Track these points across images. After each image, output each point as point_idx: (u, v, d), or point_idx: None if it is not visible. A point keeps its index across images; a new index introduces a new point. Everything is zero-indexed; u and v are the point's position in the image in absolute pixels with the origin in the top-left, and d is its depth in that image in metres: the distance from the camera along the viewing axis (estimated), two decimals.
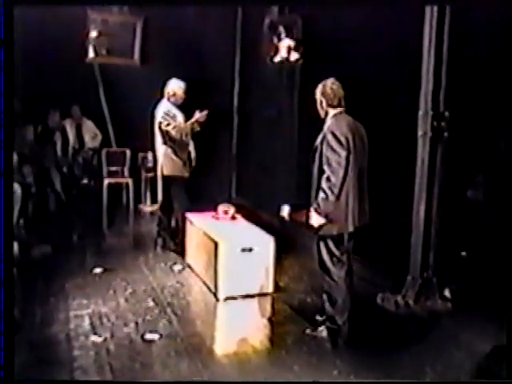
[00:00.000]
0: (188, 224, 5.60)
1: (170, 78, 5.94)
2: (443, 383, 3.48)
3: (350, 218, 3.77)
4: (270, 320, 4.44)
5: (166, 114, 5.75)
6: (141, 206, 8.26)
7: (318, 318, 4.07)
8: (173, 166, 5.79)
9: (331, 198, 3.66)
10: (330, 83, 3.87)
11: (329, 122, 3.85)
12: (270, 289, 4.82)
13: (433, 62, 4.40)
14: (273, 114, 7.16)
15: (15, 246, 5.16)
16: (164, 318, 4.27)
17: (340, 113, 3.87)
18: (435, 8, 4.30)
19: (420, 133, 4.49)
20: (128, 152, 8.45)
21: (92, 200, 8.03)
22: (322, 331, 3.94)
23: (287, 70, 6.87)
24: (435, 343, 3.86)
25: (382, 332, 4.09)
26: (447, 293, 4.55)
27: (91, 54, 7.95)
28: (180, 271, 5.42)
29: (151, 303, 4.56)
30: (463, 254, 4.99)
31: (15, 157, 5.63)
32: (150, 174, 8.07)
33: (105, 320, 4.19)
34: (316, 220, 3.76)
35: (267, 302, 4.72)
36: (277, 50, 6.80)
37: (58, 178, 7.71)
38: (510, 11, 3.61)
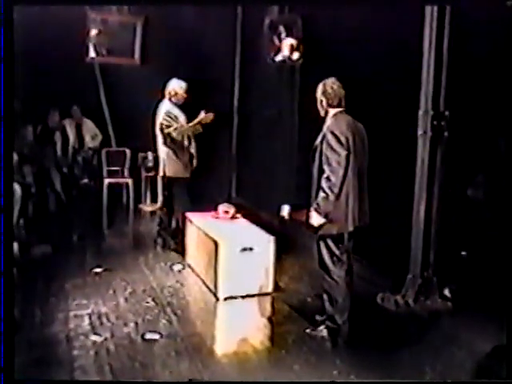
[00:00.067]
0: (188, 224, 5.60)
1: (171, 78, 5.93)
2: (443, 383, 3.48)
3: (349, 217, 3.77)
4: (270, 320, 4.44)
5: (167, 114, 5.74)
6: (141, 206, 8.26)
7: (318, 317, 4.07)
8: (174, 167, 5.79)
9: (331, 197, 3.67)
10: (331, 83, 3.87)
11: (329, 121, 3.86)
12: (269, 288, 4.82)
13: (433, 62, 4.40)
14: (273, 113, 7.16)
15: (15, 246, 5.16)
16: (164, 318, 4.27)
17: (340, 112, 3.87)
18: (435, 8, 4.30)
19: (420, 132, 4.49)
20: (128, 152, 8.46)
21: (92, 200, 8.03)
22: (322, 331, 3.94)
23: (287, 69, 6.87)
24: (435, 343, 3.86)
25: (381, 331, 4.09)
26: (447, 292, 4.55)
27: (91, 53, 7.94)
28: (180, 271, 5.43)
29: (151, 303, 4.56)
30: (463, 253, 4.99)
31: (15, 157, 5.63)
32: (150, 174, 8.10)
33: (105, 320, 4.19)
34: (316, 220, 3.76)
35: (267, 301, 4.72)
36: (278, 50, 6.80)
37: (58, 177, 7.71)
38: (510, 11, 3.61)
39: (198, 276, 5.23)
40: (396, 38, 4.78)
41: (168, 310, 4.45)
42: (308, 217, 3.81)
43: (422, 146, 4.49)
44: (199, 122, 5.83)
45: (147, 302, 4.57)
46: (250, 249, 4.75)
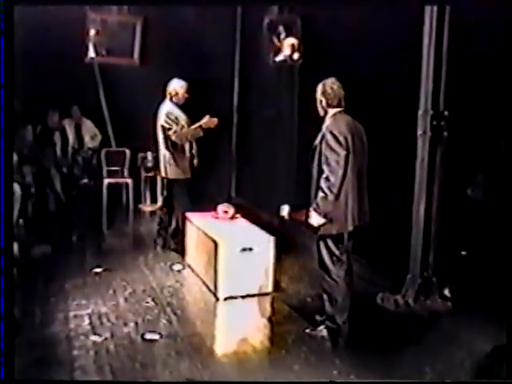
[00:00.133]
0: (188, 224, 5.60)
1: (171, 79, 5.92)
2: (443, 383, 3.48)
3: (349, 217, 3.77)
4: (269, 320, 4.44)
5: (168, 116, 5.71)
6: (141, 206, 8.26)
7: (318, 317, 4.07)
8: (175, 169, 5.77)
9: (330, 197, 3.67)
10: (331, 83, 3.87)
11: (328, 121, 3.86)
12: (269, 289, 4.82)
13: (432, 62, 4.39)
14: (272, 113, 7.16)
15: (15, 246, 5.16)
16: (164, 318, 4.27)
17: (339, 112, 3.87)
18: (435, 8, 4.30)
19: (420, 132, 4.49)
20: (128, 152, 8.46)
21: (92, 200, 8.02)
22: (322, 331, 3.94)
23: (287, 69, 6.87)
24: (435, 343, 3.86)
25: (381, 331, 4.09)
26: (447, 292, 4.55)
27: (91, 53, 7.95)
28: (180, 271, 5.42)
29: (151, 303, 4.56)
30: (463, 253, 5.00)
31: (15, 157, 5.62)
32: (150, 174, 8.10)
33: (104, 320, 4.19)
34: (315, 220, 3.76)
35: (267, 301, 4.72)
36: (278, 50, 6.80)
37: (58, 178, 7.70)
38: (510, 11, 3.62)
39: (197, 276, 5.23)
40: (396, 38, 4.78)
41: (168, 310, 4.44)
42: (307, 217, 3.81)
43: (422, 145, 4.49)
44: (200, 126, 5.80)
45: (147, 302, 4.57)
46: (250, 249, 4.75)
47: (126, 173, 8.42)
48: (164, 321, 4.22)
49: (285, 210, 4.74)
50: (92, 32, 7.80)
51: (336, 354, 3.74)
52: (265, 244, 4.82)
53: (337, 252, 3.84)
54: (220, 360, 3.76)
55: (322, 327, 3.96)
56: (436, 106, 4.42)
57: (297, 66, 6.73)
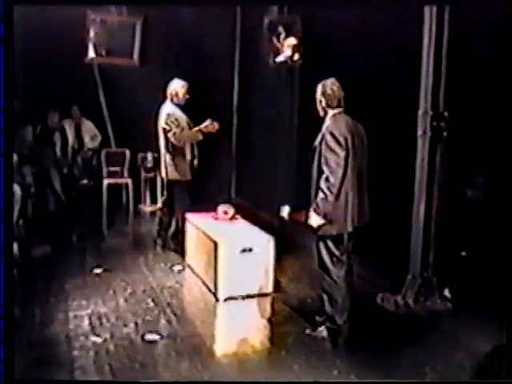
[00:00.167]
0: (188, 224, 5.60)
1: (171, 79, 5.91)
2: (443, 383, 3.48)
3: (349, 218, 3.77)
4: (269, 320, 4.44)
5: (168, 118, 5.69)
6: (140, 206, 8.26)
7: (318, 318, 4.07)
8: (176, 171, 5.76)
9: (330, 198, 3.67)
10: (331, 83, 3.87)
11: (327, 122, 3.85)
12: (269, 289, 4.82)
13: (432, 62, 4.40)
14: (273, 114, 7.16)
15: (15, 246, 5.16)
16: (164, 319, 4.27)
17: (339, 113, 3.86)
18: (434, 8, 4.30)
19: (419, 132, 4.49)
20: (127, 152, 8.45)
21: (92, 200, 8.03)
22: (322, 331, 3.94)
23: (287, 69, 6.87)
24: (435, 343, 3.86)
25: (381, 332, 4.09)
26: (447, 293, 4.54)
27: (90, 54, 7.97)
28: (180, 271, 5.42)
29: (151, 303, 4.56)
30: (463, 253, 4.99)
31: (15, 157, 5.62)
32: (150, 175, 8.11)
33: (104, 320, 4.18)
34: (315, 220, 3.76)
35: (267, 302, 4.72)
36: (278, 50, 6.80)
37: (58, 178, 7.70)
38: (510, 11, 3.62)
39: (197, 276, 5.23)
40: (396, 38, 4.78)
41: (168, 310, 4.44)
42: (307, 217, 3.81)
43: (422, 146, 4.49)
44: (200, 130, 5.78)
45: (147, 303, 4.57)
46: (250, 249, 4.75)
47: (125, 173, 8.42)
48: (164, 321, 4.22)
49: (285, 211, 4.73)
50: (92, 32, 7.82)
51: (336, 354, 3.74)
52: (265, 244, 4.82)
53: (337, 252, 3.84)
54: (220, 360, 3.76)
55: (321, 328, 3.96)
56: (436, 107, 4.42)
57: (297, 66, 6.73)
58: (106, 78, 8.39)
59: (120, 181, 8.30)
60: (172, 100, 5.81)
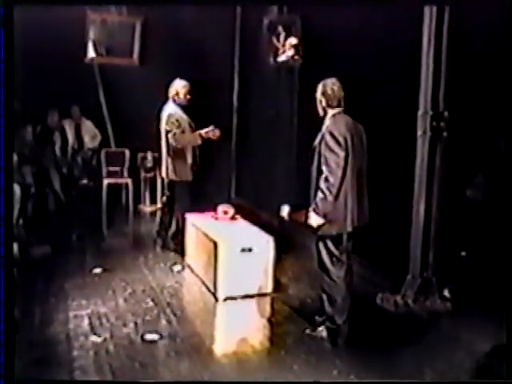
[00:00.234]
0: (188, 224, 5.60)
1: (173, 79, 5.89)
2: (443, 383, 3.48)
3: (348, 218, 3.77)
4: (269, 320, 4.44)
5: (169, 118, 5.67)
6: (140, 206, 8.26)
7: (318, 318, 4.07)
8: (176, 171, 5.75)
9: (329, 198, 3.66)
10: (331, 83, 3.87)
11: (327, 122, 3.85)
12: (269, 289, 4.82)
13: (432, 62, 4.40)
14: (272, 114, 7.16)
15: (15, 246, 5.15)
16: (163, 319, 4.27)
17: (339, 113, 3.86)
18: (434, 8, 4.30)
19: (419, 132, 4.49)
20: (127, 152, 8.45)
21: (91, 200, 8.03)
22: (322, 331, 3.94)
23: (287, 69, 6.87)
24: (435, 343, 3.86)
25: (381, 332, 4.09)
26: (447, 293, 4.55)
27: (90, 54, 7.97)
28: (179, 271, 5.42)
29: (151, 303, 4.56)
30: (463, 253, 5.00)
31: (15, 157, 5.62)
32: (150, 175, 8.11)
33: (104, 320, 4.18)
34: (315, 220, 3.76)
35: (267, 302, 4.72)
36: (278, 50, 6.80)
37: (58, 178, 7.70)
38: (510, 11, 3.62)
39: (197, 276, 5.23)
40: (396, 38, 4.78)
41: (167, 310, 4.44)
42: (307, 217, 3.81)
43: (422, 146, 4.49)
44: (200, 134, 5.76)
45: (147, 303, 4.57)
46: (250, 249, 4.75)
47: (125, 173, 8.42)
48: (164, 321, 4.22)
49: (285, 211, 4.73)
50: (92, 32, 7.82)
51: (336, 354, 3.74)
52: (264, 244, 4.82)
53: (336, 252, 3.84)
54: (220, 360, 3.76)
55: (321, 328, 3.96)
56: (436, 107, 4.42)
57: (297, 66, 6.73)
58: (106, 77, 8.38)
59: (120, 181, 8.30)
60: (174, 100, 5.81)
